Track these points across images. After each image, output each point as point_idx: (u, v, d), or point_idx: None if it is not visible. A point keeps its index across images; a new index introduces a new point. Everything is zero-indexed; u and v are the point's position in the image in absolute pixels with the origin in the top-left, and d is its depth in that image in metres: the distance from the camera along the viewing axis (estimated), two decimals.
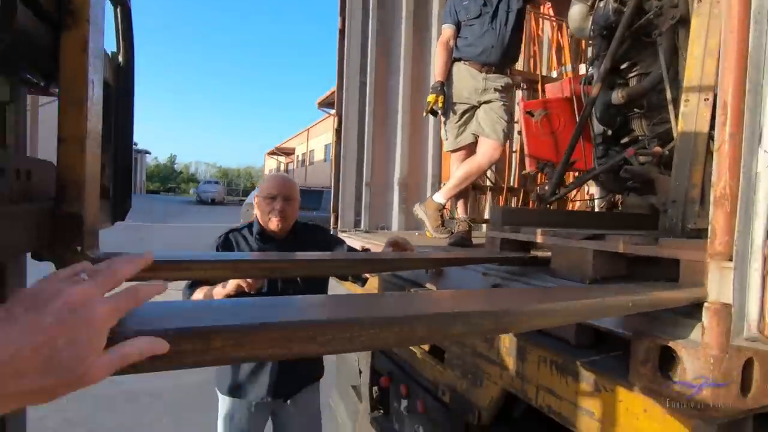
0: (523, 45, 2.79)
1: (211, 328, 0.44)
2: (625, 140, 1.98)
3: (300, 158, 30.78)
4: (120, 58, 1.15)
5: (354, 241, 2.38)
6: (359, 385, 2.19)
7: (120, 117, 1.15)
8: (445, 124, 2.35)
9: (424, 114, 2.35)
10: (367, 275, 1.68)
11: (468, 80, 2.23)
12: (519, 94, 3.34)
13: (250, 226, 1.64)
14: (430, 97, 2.24)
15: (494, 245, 1.42)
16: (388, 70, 2.92)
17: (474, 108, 2.26)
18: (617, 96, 1.81)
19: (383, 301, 0.65)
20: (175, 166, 58.97)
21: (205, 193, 27.33)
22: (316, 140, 25.34)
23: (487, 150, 2.19)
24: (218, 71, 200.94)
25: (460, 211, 2.41)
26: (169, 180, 53.58)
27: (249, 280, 1.30)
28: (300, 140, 29.85)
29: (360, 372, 2.16)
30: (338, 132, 2.85)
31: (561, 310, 0.68)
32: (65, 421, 2.61)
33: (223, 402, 1.62)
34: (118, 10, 1.10)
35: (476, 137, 2.27)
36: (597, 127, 2.04)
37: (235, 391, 1.58)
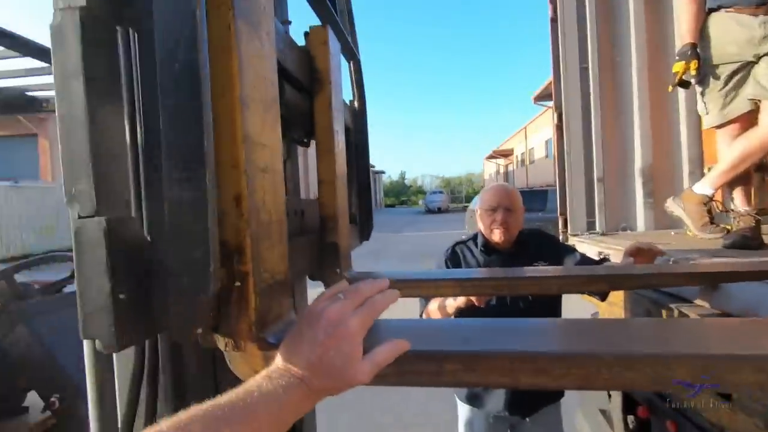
0: None
1: (444, 353, 0.47)
2: None
3: (519, 158, 29.92)
4: (355, 104, 1.35)
5: (589, 246, 2.12)
6: (609, 410, 1.93)
7: (359, 153, 1.36)
8: (702, 94, 1.86)
9: (670, 88, 1.92)
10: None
11: (735, 32, 1.70)
12: None
13: (475, 237, 1.66)
14: (677, 66, 1.81)
15: None
16: (614, 45, 2.53)
17: (749, 64, 1.71)
18: None
19: (630, 330, 0.55)
20: (405, 181, 66.55)
21: (432, 202, 30.25)
22: (535, 137, 24.21)
23: None
24: (431, 83, 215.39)
25: (738, 202, 1.85)
26: (402, 194, 60.75)
27: None
28: (518, 140, 29.03)
29: (609, 395, 1.91)
30: (559, 128, 2.62)
31: None
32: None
33: (462, 409, 1.67)
34: (351, 63, 1.31)
35: (756, 102, 1.71)
36: None
37: (472, 400, 1.62)
